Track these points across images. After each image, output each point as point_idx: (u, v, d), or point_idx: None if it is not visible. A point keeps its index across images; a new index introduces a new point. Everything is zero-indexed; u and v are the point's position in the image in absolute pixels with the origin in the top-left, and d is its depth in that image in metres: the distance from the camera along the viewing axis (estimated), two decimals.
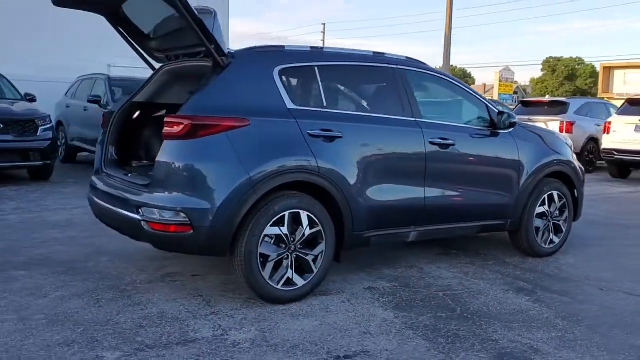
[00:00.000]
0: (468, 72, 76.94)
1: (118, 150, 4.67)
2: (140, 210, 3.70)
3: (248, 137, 3.69)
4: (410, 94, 4.53)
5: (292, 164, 3.80)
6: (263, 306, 3.81)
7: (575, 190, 5.58)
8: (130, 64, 17.29)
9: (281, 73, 3.98)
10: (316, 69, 4.14)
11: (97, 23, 5.20)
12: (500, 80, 34.05)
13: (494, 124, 4.96)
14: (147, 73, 4.98)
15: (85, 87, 11.30)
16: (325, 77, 4.17)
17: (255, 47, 4.17)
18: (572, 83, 64.67)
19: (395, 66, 4.56)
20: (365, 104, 4.48)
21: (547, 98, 17.74)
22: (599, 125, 13.42)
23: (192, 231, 3.57)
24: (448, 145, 4.59)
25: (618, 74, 58.85)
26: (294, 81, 4.04)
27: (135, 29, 4.58)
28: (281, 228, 3.78)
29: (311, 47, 4.28)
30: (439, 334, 3.47)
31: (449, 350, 3.24)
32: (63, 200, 7.48)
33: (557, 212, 5.42)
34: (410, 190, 4.42)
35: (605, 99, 22.01)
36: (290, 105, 3.93)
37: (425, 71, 4.81)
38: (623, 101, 12.96)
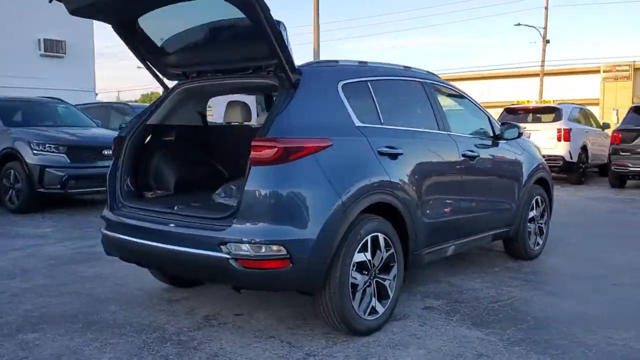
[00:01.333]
0: None
1: (133, 180, 4.06)
2: (225, 247, 3.22)
3: (333, 157, 3.41)
4: (440, 108, 4.52)
5: (373, 184, 3.58)
6: (349, 340, 3.51)
7: (549, 193, 5.95)
8: None
9: (344, 89, 3.74)
10: (369, 84, 3.96)
11: None
12: None
13: (497, 135, 5.12)
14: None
15: None
16: (377, 92, 4.00)
17: (314, 62, 3.88)
18: None
19: (424, 80, 4.52)
20: (411, 118, 4.37)
21: None
22: None
23: (290, 265, 3.19)
24: (474, 157, 4.64)
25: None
26: (355, 97, 3.81)
27: (148, 41, 4.02)
28: (365, 254, 3.53)
29: (359, 62, 4.08)
30: (542, 345, 3.46)
31: None
32: None
33: (539, 215, 5.74)
34: (452, 204, 4.39)
35: None
36: (357, 122, 3.70)
37: (442, 84, 4.83)
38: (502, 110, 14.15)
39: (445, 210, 4.32)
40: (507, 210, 5.16)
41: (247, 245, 3.19)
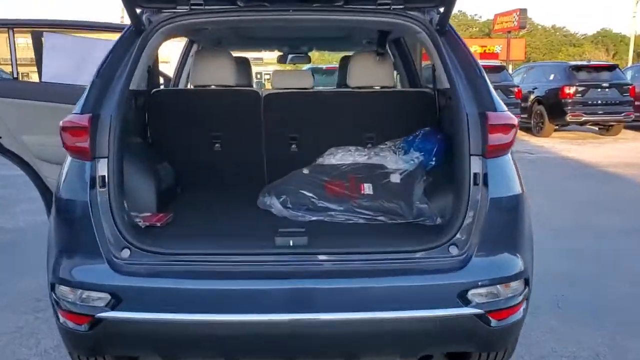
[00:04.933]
0: None
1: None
2: (466, 297, 2.10)
3: None
4: None
5: None
6: None
7: None
8: None
9: None
10: None
11: None
12: None
13: None
14: None
15: None
16: None
17: None
18: None
19: None
20: None
21: None
22: None
23: (524, 306, 2.28)
24: None
25: None
26: None
27: None
28: None
29: None
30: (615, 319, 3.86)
31: None
32: None
33: None
34: None
35: None
36: None
37: None
38: None
39: None
40: None
41: (498, 287, 2.15)
